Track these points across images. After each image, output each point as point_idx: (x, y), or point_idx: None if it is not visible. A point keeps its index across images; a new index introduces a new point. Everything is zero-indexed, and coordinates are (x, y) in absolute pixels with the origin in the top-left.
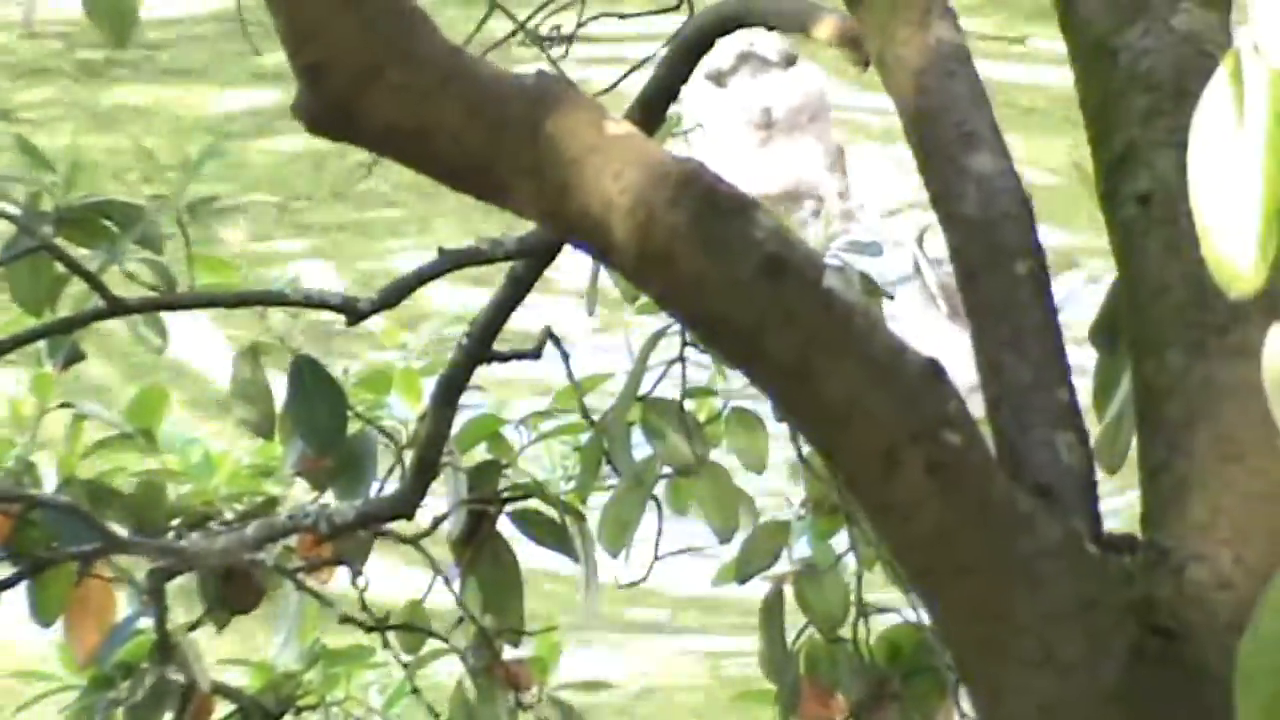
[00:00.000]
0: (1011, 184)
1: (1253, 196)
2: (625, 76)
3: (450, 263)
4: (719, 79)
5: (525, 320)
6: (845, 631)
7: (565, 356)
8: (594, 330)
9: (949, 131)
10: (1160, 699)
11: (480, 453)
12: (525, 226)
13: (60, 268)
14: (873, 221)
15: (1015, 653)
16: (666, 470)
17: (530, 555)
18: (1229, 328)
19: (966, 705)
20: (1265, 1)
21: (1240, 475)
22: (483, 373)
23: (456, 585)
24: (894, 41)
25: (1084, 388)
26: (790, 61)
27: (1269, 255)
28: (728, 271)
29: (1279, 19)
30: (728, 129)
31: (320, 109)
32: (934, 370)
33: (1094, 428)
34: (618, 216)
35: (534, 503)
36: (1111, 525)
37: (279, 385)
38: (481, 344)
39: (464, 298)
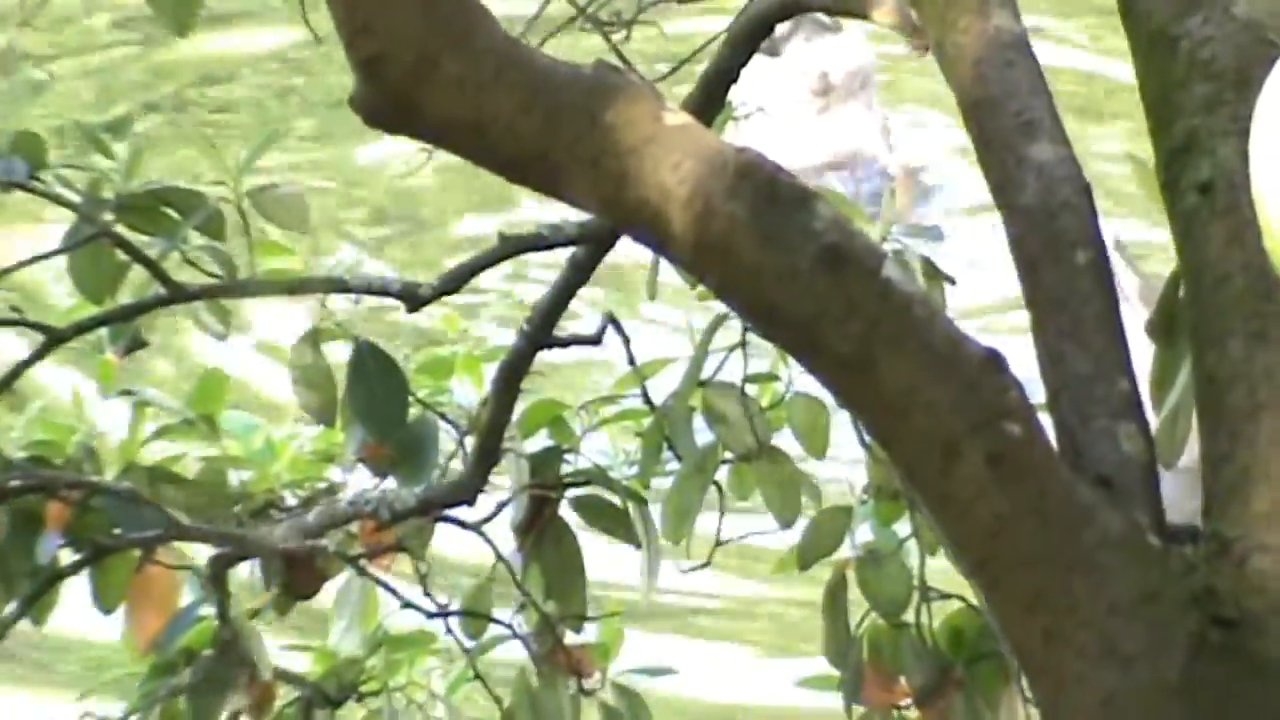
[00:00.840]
0: (1072, 172)
1: None
2: (685, 62)
3: (511, 249)
4: (772, 48)
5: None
6: (908, 617)
7: (626, 341)
8: (654, 316)
9: (1008, 120)
10: (1223, 690)
11: (542, 438)
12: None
13: (121, 255)
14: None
15: (1077, 645)
16: (728, 456)
17: (592, 541)
18: None
19: (1030, 692)
20: None
21: None
22: (544, 357)
23: (519, 571)
24: (953, 29)
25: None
26: (838, 27)
27: None
28: (786, 262)
29: None
30: (785, 99)
31: (378, 101)
32: (994, 360)
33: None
34: (676, 207)
35: (596, 489)
36: None
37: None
38: (542, 329)
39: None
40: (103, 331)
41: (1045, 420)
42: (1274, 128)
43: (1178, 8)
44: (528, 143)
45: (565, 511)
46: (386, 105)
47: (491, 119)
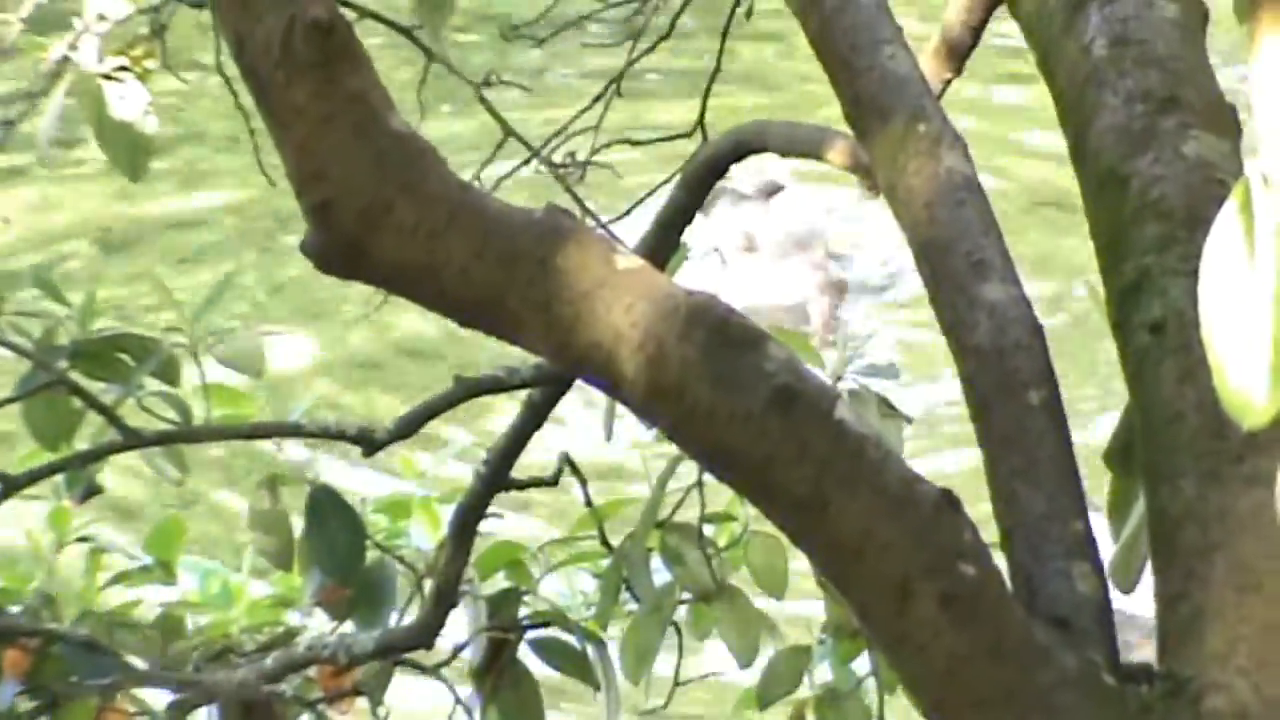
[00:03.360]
0: (1024, 313)
1: (1264, 327)
2: (640, 203)
3: (466, 392)
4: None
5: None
6: None
7: (583, 482)
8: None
9: (960, 261)
10: None
11: (500, 580)
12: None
13: (76, 402)
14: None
15: None
16: (686, 596)
17: (551, 679)
18: (1244, 456)
19: None
20: (1275, 133)
21: (1258, 605)
22: (501, 499)
23: (477, 714)
24: (904, 172)
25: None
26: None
27: None
28: (739, 404)
29: None
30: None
31: (329, 247)
32: (948, 501)
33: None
34: (628, 350)
35: (554, 630)
36: None
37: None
38: (499, 471)
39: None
40: (59, 478)
41: (1000, 560)
42: (1222, 267)
43: (1128, 147)
44: (480, 288)
45: (524, 653)
46: (338, 251)
47: (444, 264)
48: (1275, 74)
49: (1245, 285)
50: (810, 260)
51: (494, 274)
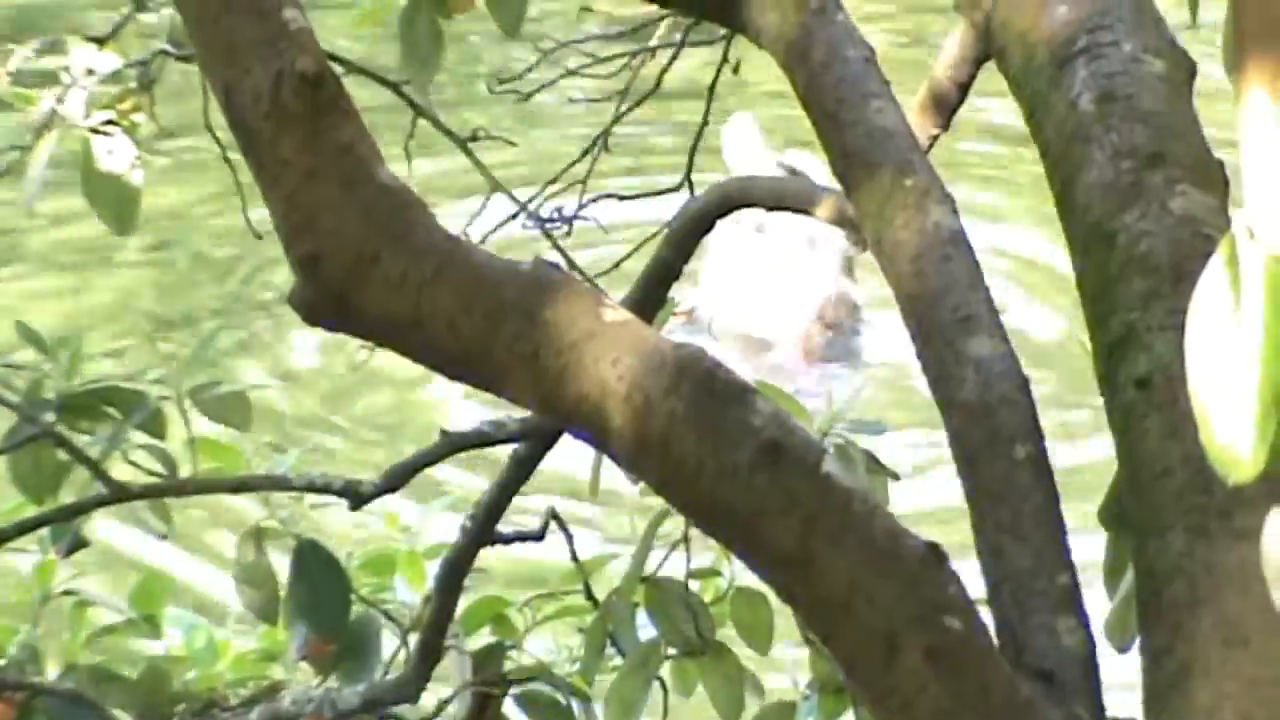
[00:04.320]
0: (1010, 367)
1: (1250, 382)
2: (628, 257)
3: (452, 446)
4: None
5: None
6: None
7: (569, 537)
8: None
9: (946, 315)
10: None
11: (485, 635)
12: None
13: (63, 454)
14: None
15: None
16: (672, 651)
17: None
18: (1231, 511)
19: None
20: (1259, 187)
21: (1244, 661)
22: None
23: None
24: (891, 225)
25: None
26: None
27: (1267, 441)
28: (725, 458)
29: (1274, 204)
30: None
31: (317, 300)
32: (934, 555)
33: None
34: (615, 403)
35: (539, 685)
36: None
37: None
38: (485, 526)
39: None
40: (45, 531)
41: (985, 614)
42: (1208, 322)
43: (1115, 203)
44: (468, 340)
45: (509, 708)
46: (325, 303)
47: (431, 316)
48: (1261, 127)
49: (1231, 339)
50: (821, 266)
51: (481, 326)
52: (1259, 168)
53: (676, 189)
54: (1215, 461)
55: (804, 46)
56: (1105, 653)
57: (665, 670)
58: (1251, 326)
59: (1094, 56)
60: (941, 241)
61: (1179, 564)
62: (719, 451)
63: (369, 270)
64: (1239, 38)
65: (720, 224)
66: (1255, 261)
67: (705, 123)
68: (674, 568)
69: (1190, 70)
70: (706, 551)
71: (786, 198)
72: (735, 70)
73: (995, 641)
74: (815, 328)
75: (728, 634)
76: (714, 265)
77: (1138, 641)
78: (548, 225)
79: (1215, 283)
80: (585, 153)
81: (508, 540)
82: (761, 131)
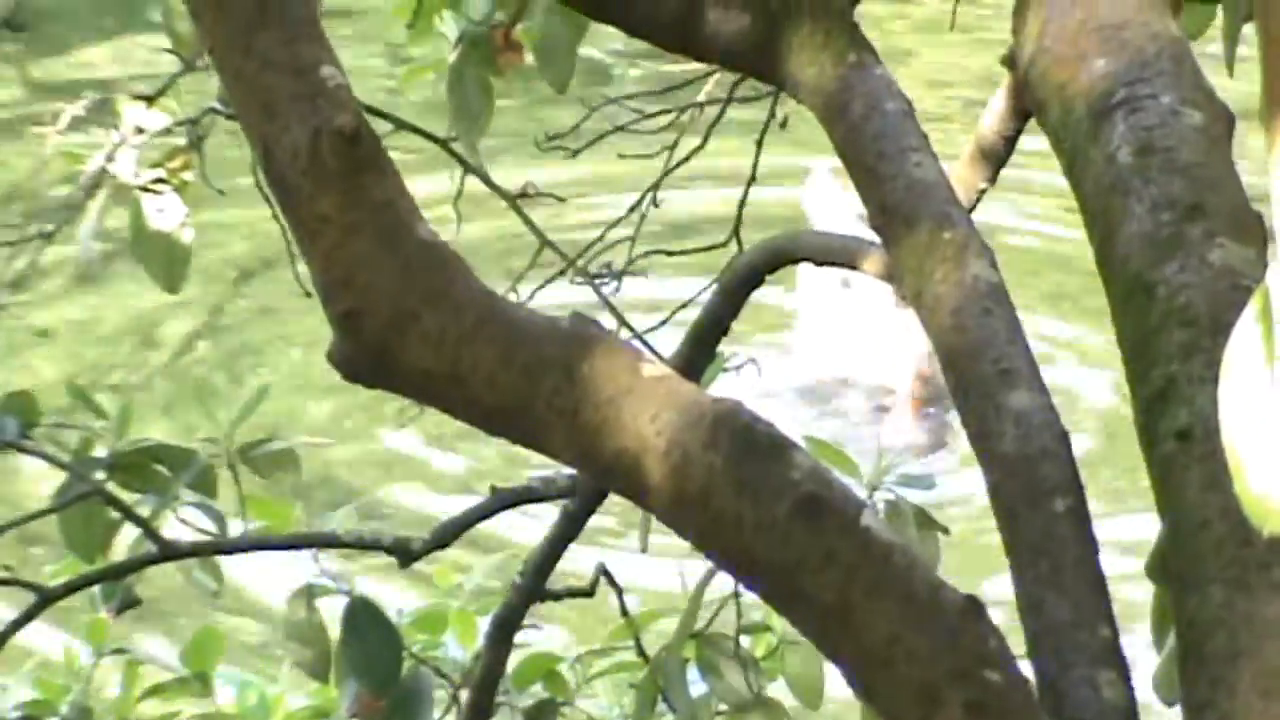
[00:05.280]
0: (1050, 419)
1: None
2: (675, 313)
3: (503, 502)
4: None
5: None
6: None
7: (619, 592)
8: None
9: (987, 369)
10: None
11: (537, 691)
12: None
13: (113, 513)
14: None
15: None
16: (723, 707)
17: None
18: (1271, 563)
19: None
20: None
21: None
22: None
23: None
24: (931, 279)
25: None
26: None
27: None
28: (764, 512)
29: None
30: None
31: (357, 356)
32: (974, 607)
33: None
34: (653, 458)
35: None
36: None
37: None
38: (535, 581)
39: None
40: (95, 590)
41: (1026, 668)
42: (1242, 373)
43: (1154, 255)
44: (507, 395)
45: None
46: (365, 359)
47: (470, 371)
48: None
49: (1264, 390)
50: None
51: (520, 382)
52: None
53: (724, 244)
54: (1250, 513)
55: (843, 100)
56: (1153, 705)
57: None
58: None
59: (1132, 109)
60: (980, 295)
61: (1219, 616)
62: (757, 505)
63: (408, 326)
64: (1269, 89)
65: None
66: None
67: (753, 178)
68: (725, 623)
69: (1229, 121)
70: (757, 606)
71: (834, 252)
72: (783, 125)
73: (1035, 694)
74: (918, 380)
75: (779, 689)
76: (804, 318)
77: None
78: (596, 281)
79: (1248, 334)
80: (633, 208)
81: (558, 596)
82: (841, 181)
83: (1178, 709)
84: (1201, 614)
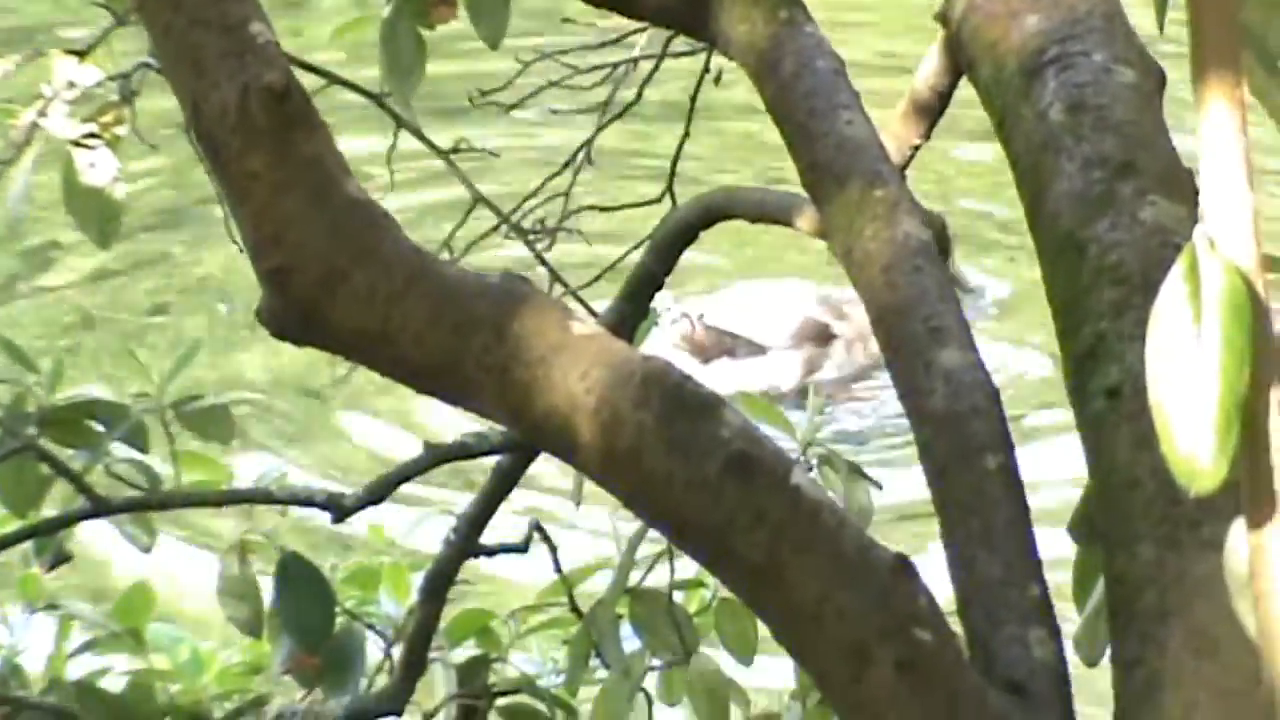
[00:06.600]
0: (980, 378)
1: (1210, 392)
2: (610, 269)
3: (434, 459)
4: None
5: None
6: None
7: (553, 549)
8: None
9: (917, 326)
10: None
11: (470, 647)
12: None
13: (45, 468)
14: None
15: None
16: (656, 662)
17: None
18: (1201, 521)
19: None
20: (1218, 198)
21: (1214, 670)
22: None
23: None
24: (861, 237)
25: None
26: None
27: (1228, 451)
28: (694, 471)
29: (1232, 215)
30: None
31: (285, 314)
32: (904, 566)
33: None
34: (583, 416)
35: (524, 697)
36: None
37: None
38: (469, 538)
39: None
40: (27, 545)
41: (956, 625)
42: (1169, 332)
43: (1085, 213)
44: (436, 353)
45: None
46: (294, 316)
47: (399, 329)
48: (1220, 137)
49: (1191, 349)
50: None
51: (449, 340)
52: (1218, 178)
53: (658, 200)
54: (1176, 472)
55: (774, 58)
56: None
57: (650, 682)
58: (1211, 337)
59: (1064, 67)
60: (911, 252)
61: (1149, 574)
62: (687, 464)
63: (337, 284)
64: (1198, 48)
65: None
66: (1214, 272)
67: (686, 134)
68: (658, 579)
69: (1160, 79)
70: (691, 562)
71: (769, 209)
72: (716, 81)
73: (966, 653)
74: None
75: (712, 645)
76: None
77: (1108, 653)
78: (530, 238)
79: (1175, 293)
80: (566, 165)
81: (491, 552)
82: None
83: (1101, 668)
84: (1131, 572)
